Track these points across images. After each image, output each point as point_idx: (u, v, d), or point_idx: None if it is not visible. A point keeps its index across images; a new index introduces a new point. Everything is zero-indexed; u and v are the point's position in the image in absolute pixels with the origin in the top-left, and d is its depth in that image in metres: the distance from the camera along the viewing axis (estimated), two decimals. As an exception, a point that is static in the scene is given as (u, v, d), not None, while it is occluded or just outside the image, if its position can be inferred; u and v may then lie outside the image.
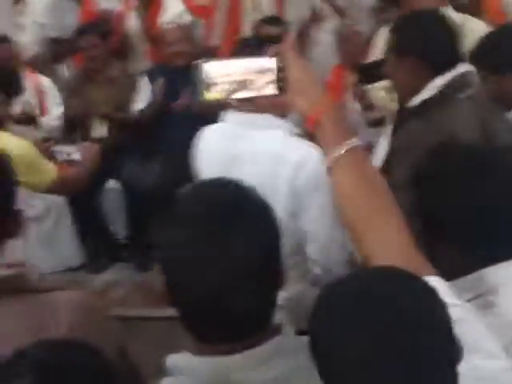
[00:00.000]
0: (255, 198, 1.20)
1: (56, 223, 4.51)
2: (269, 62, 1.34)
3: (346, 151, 1.30)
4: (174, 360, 1.20)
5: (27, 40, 5.07)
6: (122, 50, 5.03)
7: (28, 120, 4.50)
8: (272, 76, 1.34)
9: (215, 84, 1.31)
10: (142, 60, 5.01)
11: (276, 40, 2.05)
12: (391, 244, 1.25)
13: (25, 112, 4.48)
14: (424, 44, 2.33)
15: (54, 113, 4.72)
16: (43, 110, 4.70)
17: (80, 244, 4.69)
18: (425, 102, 2.34)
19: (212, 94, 1.32)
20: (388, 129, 2.69)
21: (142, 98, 4.71)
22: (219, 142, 2.28)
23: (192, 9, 4.99)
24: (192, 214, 1.15)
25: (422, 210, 1.51)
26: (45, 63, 5.13)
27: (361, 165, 1.33)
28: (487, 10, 3.81)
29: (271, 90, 1.34)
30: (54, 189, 2.87)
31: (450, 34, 2.38)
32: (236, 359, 1.14)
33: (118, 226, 4.75)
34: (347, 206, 1.31)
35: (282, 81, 1.34)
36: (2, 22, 4.98)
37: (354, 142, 1.32)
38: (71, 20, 5.00)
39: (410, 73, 2.36)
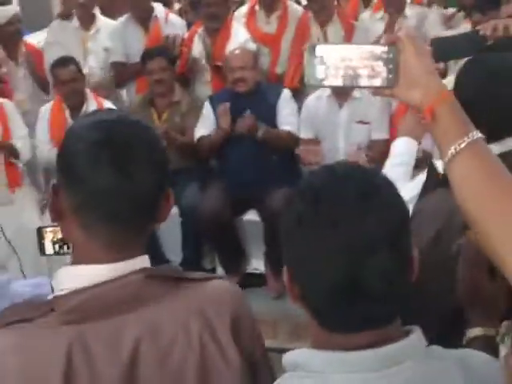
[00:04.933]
0: (381, 175, 1.18)
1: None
2: (382, 51, 1.26)
3: (467, 144, 1.20)
4: (295, 355, 1.16)
5: (94, 65, 5.12)
6: (187, 76, 5.03)
7: None
8: (383, 66, 1.26)
9: (330, 67, 1.26)
10: (207, 86, 4.99)
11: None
12: None
13: None
14: None
15: None
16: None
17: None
18: None
19: (328, 78, 1.27)
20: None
21: (205, 124, 4.67)
22: None
23: (258, 37, 4.98)
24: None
25: None
26: (110, 88, 5.17)
27: (484, 158, 1.22)
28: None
29: (381, 80, 1.27)
30: None
31: None
32: (367, 356, 1.10)
33: (174, 253, 4.69)
34: (472, 202, 1.20)
35: (391, 72, 1.26)
36: (72, 47, 5.03)
37: (475, 134, 1.22)
38: (137, 45, 5.02)
39: None
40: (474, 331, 1.48)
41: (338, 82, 1.27)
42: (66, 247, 1.84)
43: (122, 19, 5.27)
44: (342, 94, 4.43)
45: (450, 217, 1.70)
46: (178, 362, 1.24)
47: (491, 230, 1.17)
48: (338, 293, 1.08)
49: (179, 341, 1.24)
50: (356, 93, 4.42)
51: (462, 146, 1.20)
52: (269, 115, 4.56)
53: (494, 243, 1.17)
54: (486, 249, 1.19)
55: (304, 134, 4.58)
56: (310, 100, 4.60)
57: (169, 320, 1.25)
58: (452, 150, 1.20)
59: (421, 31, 5.11)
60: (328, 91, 4.46)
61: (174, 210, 4.63)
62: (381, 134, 4.42)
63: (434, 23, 5.31)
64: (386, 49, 1.26)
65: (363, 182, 1.13)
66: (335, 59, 1.26)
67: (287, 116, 4.60)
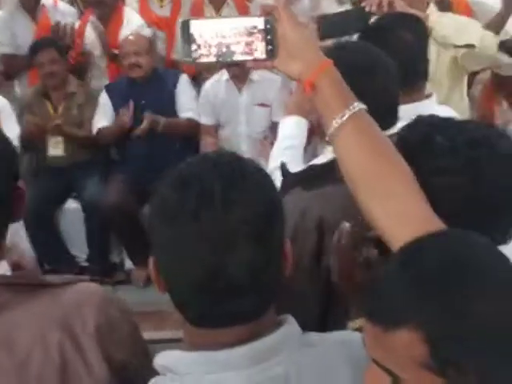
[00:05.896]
0: (250, 163, 1.12)
1: (11, 245, 4.27)
2: (259, 22, 1.23)
3: (349, 117, 1.19)
4: (163, 358, 1.11)
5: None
6: (80, 66, 4.87)
7: None
8: (261, 38, 1.23)
9: (201, 45, 1.23)
10: (102, 76, 4.85)
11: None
12: (409, 213, 1.17)
13: None
14: None
15: (10, 134, 4.51)
16: (-3, 131, 4.49)
17: (37, 267, 4.50)
18: None
19: (198, 56, 1.24)
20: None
21: (103, 114, 4.55)
22: None
23: (153, 21, 4.87)
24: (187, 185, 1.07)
25: None
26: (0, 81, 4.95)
27: (367, 129, 1.21)
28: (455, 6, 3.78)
29: (261, 53, 1.24)
30: None
31: None
32: (239, 353, 1.06)
33: (79, 248, 4.57)
34: (354, 172, 1.20)
35: (271, 43, 1.23)
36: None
37: (357, 105, 1.21)
38: (26, 35, 4.81)
39: None
40: (356, 322, 1.47)
41: (211, 59, 1.25)
42: None
43: (7, 9, 5.04)
44: (239, 77, 4.39)
45: (304, 215, 1.70)
46: (37, 375, 1.19)
47: (372, 204, 1.18)
48: (200, 286, 1.04)
49: (36, 353, 1.19)
50: (255, 76, 4.39)
51: (344, 118, 1.19)
52: (167, 102, 4.50)
53: (377, 218, 1.18)
54: (369, 221, 1.21)
55: (205, 120, 4.53)
56: (209, 85, 4.54)
57: (24, 331, 1.20)
58: (334, 124, 1.20)
59: (317, 12, 5.08)
60: (226, 75, 4.41)
61: (76, 205, 4.52)
62: (282, 116, 4.40)
63: (330, 3, 5.29)
64: (262, 20, 1.23)
65: (230, 171, 1.07)
66: (208, 35, 1.23)
67: (186, 102, 4.54)
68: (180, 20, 1.25)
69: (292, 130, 2.27)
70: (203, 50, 1.23)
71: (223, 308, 1.06)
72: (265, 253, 1.05)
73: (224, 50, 1.23)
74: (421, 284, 0.93)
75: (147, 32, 4.70)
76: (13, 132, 4.49)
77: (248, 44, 1.23)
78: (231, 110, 4.45)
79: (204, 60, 1.24)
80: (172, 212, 1.05)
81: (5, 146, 1.26)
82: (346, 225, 1.43)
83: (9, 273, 1.27)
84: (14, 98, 4.87)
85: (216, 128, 4.53)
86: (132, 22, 4.74)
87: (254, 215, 1.04)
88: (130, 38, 4.52)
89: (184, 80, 4.57)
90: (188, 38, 1.23)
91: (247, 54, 1.24)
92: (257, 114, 4.40)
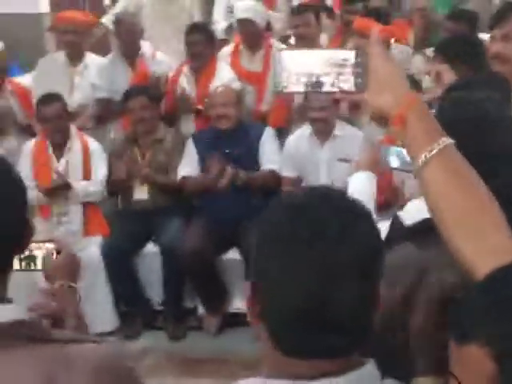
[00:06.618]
0: (356, 203, 1.15)
1: (91, 284, 4.39)
2: (350, 55, 1.26)
3: (438, 151, 1.19)
4: None
5: (80, 101, 5.12)
6: (171, 114, 5.04)
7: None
8: (351, 70, 1.26)
9: (292, 74, 1.26)
10: (192, 124, 5.00)
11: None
12: (497, 250, 1.15)
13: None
14: None
15: (98, 176, 4.71)
16: (87, 173, 4.69)
17: (114, 308, 4.60)
18: None
19: (287, 85, 1.27)
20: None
21: (188, 163, 4.67)
22: None
23: (243, 75, 4.99)
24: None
25: None
26: (94, 124, 5.17)
27: (454, 164, 1.21)
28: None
29: (350, 85, 1.26)
30: None
31: None
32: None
33: (154, 292, 4.64)
34: (441, 207, 1.20)
35: (361, 77, 1.25)
36: (59, 82, 5.03)
37: (445, 140, 1.20)
38: (123, 82, 5.03)
39: None
40: (422, 381, 1.44)
41: (300, 88, 1.28)
42: (32, 264, 1.81)
43: (109, 56, 5.31)
44: (323, 132, 4.42)
45: (422, 276, 1.65)
46: None
47: (461, 240, 1.17)
48: (302, 315, 1.05)
49: None
50: (337, 131, 4.41)
51: (433, 153, 1.19)
52: (251, 153, 4.57)
53: (464, 254, 1.17)
54: (456, 258, 1.19)
55: (286, 173, 4.56)
56: (292, 139, 4.59)
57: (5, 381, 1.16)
58: (423, 158, 1.20)
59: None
60: (309, 130, 4.45)
61: (155, 249, 4.60)
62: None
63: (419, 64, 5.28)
64: (353, 53, 1.26)
65: (344, 206, 1.11)
66: (299, 65, 1.26)
67: (269, 154, 4.61)
68: (276, 51, 1.30)
69: (362, 184, 2.27)
70: (293, 79, 1.27)
71: (320, 340, 1.06)
72: (368, 291, 1.07)
73: (314, 80, 1.26)
74: (499, 307, 0.98)
75: (236, 85, 4.83)
76: (101, 175, 4.68)
77: (338, 76, 1.26)
78: (313, 164, 4.47)
79: (293, 89, 1.28)
80: (284, 238, 1.07)
81: (19, 183, 1.31)
82: (443, 279, 1.40)
83: (25, 316, 1.24)
84: (106, 142, 5.08)
85: (297, 181, 4.55)
86: (223, 75, 4.89)
87: (364, 253, 1.06)
88: (220, 89, 4.64)
89: (269, 133, 4.65)
90: (280, 68, 1.27)
91: (336, 85, 1.26)
92: (338, 169, 4.38)
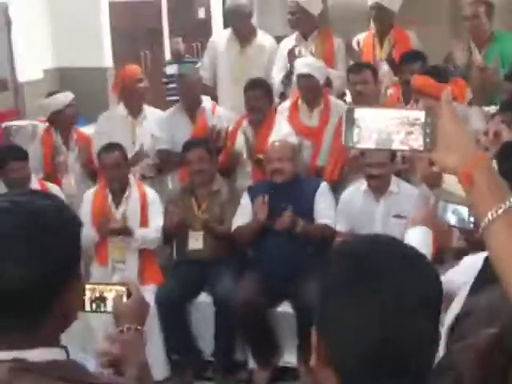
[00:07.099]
0: (414, 248, 1.21)
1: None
2: (420, 115, 1.30)
3: (504, 211, 1.21)
4: None
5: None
6: (228, 167, 5.12)
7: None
8: (421, 130, 1.29)
9: (363, 130, 1.30)
10: (247, 177, 5.07)
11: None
12: None
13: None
14: None
15: (154, 225, 4.79)
16: (144, 221, 4.78)
17: (165, 356, 4.61)
18: None
19: (358, 140, 1.31)
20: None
21: (242, 214, 4.71)
22: None
23: (300, 130, 5.04)
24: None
25: None
26: (155, 174, 5.28)
27: None
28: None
29: (419, 144, 1.29)
30: None
31: None
32: None
33: (205, 342, 4.65)
34: (506, 267, 1.21)
35: (430, 137, 1.28)
36: (120, 135, 5.18)
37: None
38: (183, 134, 5.14)
39: None
40: None
41: (370, 145, 1.31)
42: (102, 305, 1.84)
43: (171, 109, 5.45)
44: (378, 188, 4.42)
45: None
46: None
47: None
48: (373, 358, 1.09)
49: None
50: (393, 187, 4.41)
51: (499, 212, 1.20)
52: (306, 207, 4.58)
53: None
54: None
55: (340, 227, 4.56)
56: (347, 193, 4.61)
57: None
58: (489, 217, 1.21)
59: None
60: (365, 185, 4.46)
61: (208, 299, 4.62)
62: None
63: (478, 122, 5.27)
64: (423, 113, 1.29)
65: (405, 252, 1.16)
66: (370, 122, 1.30)
67: (324, 209, 4.62)
68: (346, 106, 1.33)
69: (418, 238, 2.29)
70: (364, 134, 1.30)
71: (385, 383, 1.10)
72: (434, 332, 1.13)
73: (384, 137, 1.30)
74: None
75: (293, 139, 4.87)
76: (157, 224, 4.76)
77: (408, 134, 1.29)
78: (367, 220, 4.46)
79: (364, 145, 1.32)
80: (355, 287, 1.13)
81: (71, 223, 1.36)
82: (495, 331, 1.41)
83: (60, 357, 1.27)
84: (164, 192, 5.18)
85: (351, 235, 4.53)
86: (281, 130, 4.95)
87: (428, 294, 1.13)
88: (276, 144, 4.70)
89: (324, 187, 4.67)
90: (351, 123, 1.30)
91: (406, 144, 1.30)
92: (392, 225, 4.38)
